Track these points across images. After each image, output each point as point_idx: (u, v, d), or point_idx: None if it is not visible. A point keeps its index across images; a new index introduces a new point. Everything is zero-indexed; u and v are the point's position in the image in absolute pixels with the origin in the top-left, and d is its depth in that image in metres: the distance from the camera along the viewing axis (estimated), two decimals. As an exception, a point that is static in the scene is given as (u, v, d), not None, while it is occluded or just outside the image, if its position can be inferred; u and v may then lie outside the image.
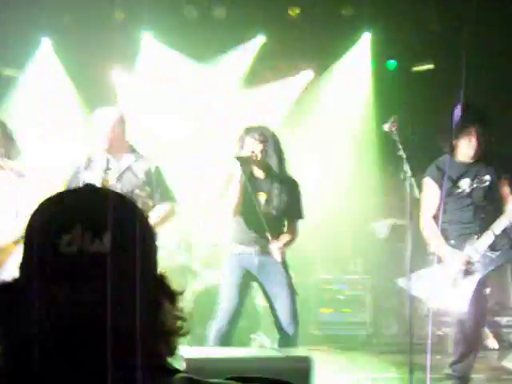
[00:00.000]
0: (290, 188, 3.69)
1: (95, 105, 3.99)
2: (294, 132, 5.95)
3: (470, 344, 3.59)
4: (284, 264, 3.62)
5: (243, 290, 3.66)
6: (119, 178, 3.56)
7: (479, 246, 3.57)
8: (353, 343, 5.38)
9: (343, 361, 4.97)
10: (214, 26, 6.18)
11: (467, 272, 3.54)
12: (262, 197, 3.65)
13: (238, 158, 3.52)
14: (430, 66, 6.44)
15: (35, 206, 0.82)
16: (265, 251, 3.60)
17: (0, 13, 5.43)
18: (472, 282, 3.53)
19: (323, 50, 6.45)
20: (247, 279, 3.69)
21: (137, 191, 3.47)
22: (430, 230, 3.70)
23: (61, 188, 3.77)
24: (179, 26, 6.18)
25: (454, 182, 3.70)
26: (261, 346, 4.59)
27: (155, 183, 3.62)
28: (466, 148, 3.69)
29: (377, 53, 6.48)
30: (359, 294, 5.51)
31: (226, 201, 3.61)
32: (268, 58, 6.52)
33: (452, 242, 3.66)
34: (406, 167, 3.43)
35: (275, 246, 3.56)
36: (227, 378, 0.82)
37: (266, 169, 3.66)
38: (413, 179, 3.41)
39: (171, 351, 0.83)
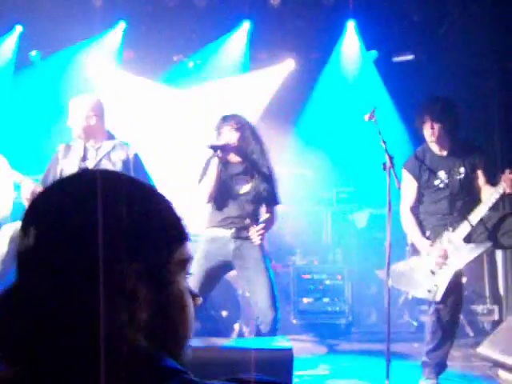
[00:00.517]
0: (267, 174, 3.68)
1: (71, 93, 3.91)
2: (278, 122, 5.93)
3: (447, 333, 3.63)
4: (262, 248, 3.60)
5: (206, 279, 3.54)
6: (96, 166, 3.51)
7: (456, 238, 3.60)
8: (332, 332, 5.41)
9: (322, 350, 5.00)
10: (193, 14, 6.09)
11: (444, 264, 3.57)
12: (239, 181, 3.64)
13: (213, 147, 3.52)
14: (410, 57, 6.46)
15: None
16: (241, 235, 3.57)
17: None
18: (448, 272, 3.56)
19: (304, 40, 6.41)
20: (217, 272, 3.62)
21: None
22: (407, 222, 3.72)
23: (40, 177, 3.72)
24: (159, 14, 6.08)
25: (431, 174, 3.71)
26: (239, 336, 4.59)
27: (133, 171, 3.58)
28: (428, 138, 3.70)
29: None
30: (338, 283, 5.54)
31: (202, 186, 3.60)
32: (248, 47, 6.46)
33: (429, 233, 3.68)
34: (386, 158, 3.43)
35: (254, 229, 3.55)
36: (227, 380, 0.76)
37: (243, 155, 3.64)
38: (392, 170, 3.42)
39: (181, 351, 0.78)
